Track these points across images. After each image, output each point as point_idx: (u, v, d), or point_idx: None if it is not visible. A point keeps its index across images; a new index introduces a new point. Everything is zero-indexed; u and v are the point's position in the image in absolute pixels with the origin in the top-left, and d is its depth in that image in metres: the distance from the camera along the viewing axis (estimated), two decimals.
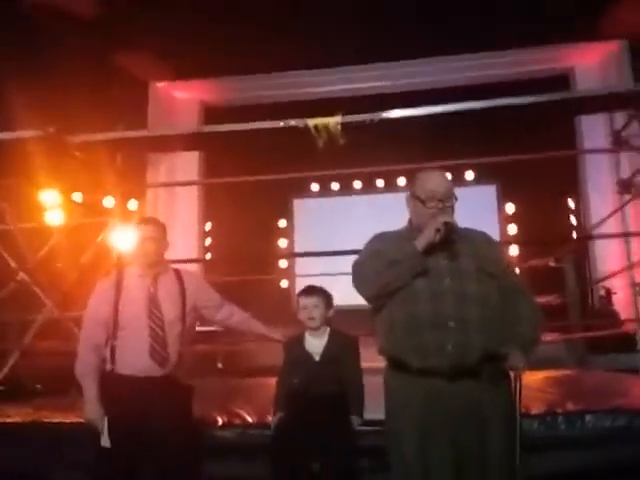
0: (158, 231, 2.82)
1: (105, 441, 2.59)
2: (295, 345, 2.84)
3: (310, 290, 2.88)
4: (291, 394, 2.77)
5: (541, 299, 6.75)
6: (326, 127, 5.01)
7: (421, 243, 2.11)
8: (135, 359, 2.65)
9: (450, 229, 2.11)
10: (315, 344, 2.80)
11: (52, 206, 6.04)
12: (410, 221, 2.31)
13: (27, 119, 5.05)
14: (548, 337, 6.34)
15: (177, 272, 2.89)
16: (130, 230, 5.66)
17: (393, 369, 2.18)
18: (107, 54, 6.89)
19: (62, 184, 5.84)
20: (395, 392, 2.18)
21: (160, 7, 6.55)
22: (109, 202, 6.58)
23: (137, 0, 6.49)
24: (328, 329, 2.83)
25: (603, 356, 6.27)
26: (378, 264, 2.15)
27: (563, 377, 5.05)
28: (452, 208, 2.22)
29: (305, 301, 2.81)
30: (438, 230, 2.09)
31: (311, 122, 5.00)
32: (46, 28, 6.06)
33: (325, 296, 2.85)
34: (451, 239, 2.13)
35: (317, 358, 2.77)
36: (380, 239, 2.30)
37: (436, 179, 2.25)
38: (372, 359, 2.31)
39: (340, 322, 2.99)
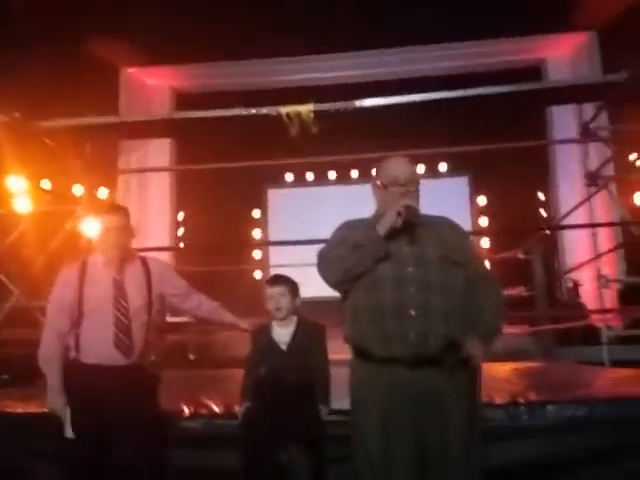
0: (123, 220, 2.79)
1: (68, 432, 2.56)
2: (262, 334, 2.83)
3: (276, 279, 2.88)
4: (258, 384, 2.77)
5: (510, 291, 6.87)
6: (298, 115, 4.99)
7: (383, 227, 2.11)
8: (99, 347, 2.62)
9: (412, 213, 2.11)
10: (282, 333, 2.80)
11: (19, 193, 5.92)
12: (377, 210, 2.31)
13: None
14: (516, 329, 6.45)
15: (143, 259, 2.86)
16: (97, 218, 5.60)
17: (358, 358, 2.19)
18: (77, 39, 6.72)
19: (30, 171, 5.73)
20: (360, 381, 2.19)
21: None
22: (78, 190, 6.48)
23: None
24: (295, 318, 2.84)
25: (569, 348, 6.39)
26: (342, 250, 2.16)
27: (529, 368, 5.14)
28: (416, 194, 2.23)
29: (271, 290, 2.80)
30: (399, 214, 2.09)
31: (283, 110, 4.98)
32: (13, 11, 5.90)
33: (291, 285, 2.84)
34: (414, 224, 2.14)
35: (284, 347, 2.77)
36: (347, 227, 2.30)
37: (398, 165, 2.26)
38: (341, 350, 2.31)
39: (314, 313, 2.99)
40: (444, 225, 2.28)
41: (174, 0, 6.68)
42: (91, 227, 5.55)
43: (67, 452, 2.59)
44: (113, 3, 6.60)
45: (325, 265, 2.21)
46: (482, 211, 9.72)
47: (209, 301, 3.02)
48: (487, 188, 9.59)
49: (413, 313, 2.05)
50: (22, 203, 5.85)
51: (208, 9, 6.80)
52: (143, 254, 2.96)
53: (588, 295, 7.00)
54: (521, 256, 7.34)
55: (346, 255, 2.14)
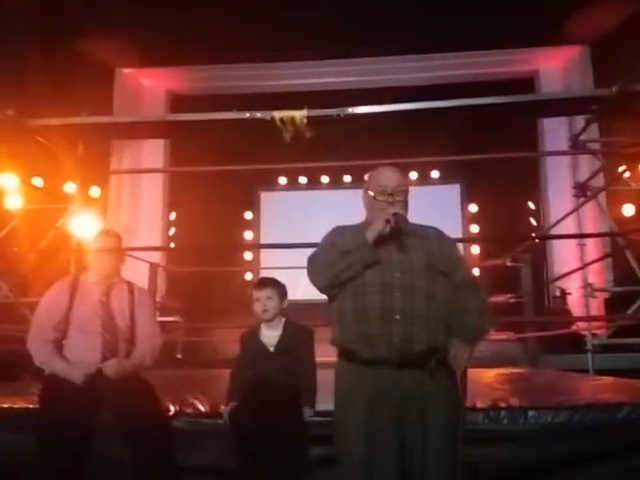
0: (115, 243, 2.95)
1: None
2: (250, 337, 2.86)
3: (263, 282, 2.90)
4: (245, 384, 2.79)
5: (497, 298, 6.93)
6: (292, 120, 5.02)
7: (371, 234, 2.15)
8: (86, 360, 2.71)
9: (399, 220, 2.16)
10: (270, 335, 2.82)
11: (11, 190, 5.92)
12: (366, 217, 2.36)
13: None
14: (502, 335, 6.50)
15: (130, 286, 2.98)
16: (89, 219, 5.62)
17: (343, 359, 2.23)
18: (73, 38, 6.74)
19: (22, 168, 5.73)
20: (344, 382, 2.22)
21: None
22: (70, 188, 6.48)
23: None
24: (283, 320, 2.86)
25: (555, 355, 6.45)
26: (331, 255, 2.20)
27: (513, 375, 5.19)
28: (404, 202, 2.28)
29: (258, 293, 2.83)
30: (388, 221, 2.14)
31: (277, 115, 5.01)
32: (9, 10, 5.90)
33: (279, 288, 2.87)
34: (402, 232, 2.19)
35: (271, 349, 2.80)
36: (336, 232, 2.34)
37: (386, 174, 2.31)
38: (329, 353, 2.35)
39: (303, 315, 3.03)
40: (432, 235, 2.33)
41: (171, 2, 6.71)
42: (82, 225, 5.56)
43: (50, 449, 2.61)
44: (110, 3, 6.62)
45: (314, 269, 2.25)
46: (473, 219, 9.80)
47: (142, 350, 2.91)
48: (478, 196, 9.68)
49: (397, 317, 2.10)
50: (13, 200, 5.86)
51: (204, 12, 6.83)
52: (131, 281, 3.06)
53: (575, 303, 7.08)
54: (509, 264, 7.41)
55: (335, 260, 2.17)
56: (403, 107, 5.22)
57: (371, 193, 2.29)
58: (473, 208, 9.84)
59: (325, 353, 2.59)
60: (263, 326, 2.86)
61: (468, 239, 8.76)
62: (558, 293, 7.45)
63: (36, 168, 6.09)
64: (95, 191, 7.40)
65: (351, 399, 2.16)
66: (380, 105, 5.27)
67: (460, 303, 2.20)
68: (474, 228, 9.66)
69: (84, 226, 5.57)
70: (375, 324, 2.12)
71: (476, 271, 8.49)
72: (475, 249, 9.21)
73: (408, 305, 2.11)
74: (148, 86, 8.87)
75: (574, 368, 5.76)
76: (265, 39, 7.29)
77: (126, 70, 8.41)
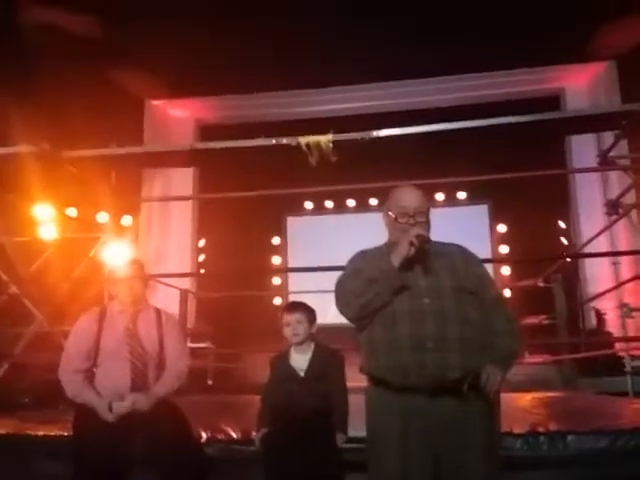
0: (137, 271, 3.01)
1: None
2: (280, 361, 2.86)
3: (293, 306, 2.90)
4: (275, 410, 2.78)
5: (531, 320, 6.79)
6: (318, 145, 5.08)
7: (396, 258, 2.12)
8: (117, 389, 2.75)
9: (424, 242, 2.12)
10: (300, 360, 2.81)
11: (46, 220, 6.07)
12: (389, 239, 2.34)
13: (22, 134, 5.09)
14: (536, 358, 6.35)
15: (157, 311, 3.03)
16: (121, 247, 5.72)
17: (374, 386, 2.20)
18: (104, 71, 6.94)
19: (56, 199, 5.88)
20: (376, 408, 2.20)
21: (157, 26, 6.65)
22: (103, 217, 6.62)
23: (135, 19, 6.58)
24: (313, 345, 2.85)
25: (592, 378, 6.25)
26: (358, 284, 2.16)
27: (549, 399, 5.04)
28: (426, 223, 2.26)
29: (288, 317, 2.83)
30: (412, 244, 2.11)
31: (303, 140, 5.07)
32: (43, 44, 6.12)
33: (309, 312, 2.87)
34: (427, 254, 2.16)
35: (302, 374, 2.79)
36: (360, 257, 2.32)
37: (408, 195, 2.29)
38: (359, 378, 2.33)
39: (332, 339, 3.01)
40: (455, 253, 2.30)
41: (199, 35, 6.88)
42: (114, 254, 5.66)
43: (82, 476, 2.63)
44: (140, 36, 6.82)
45: (342, 300, 2.22)
46: (502, 239, 9.67)
47: (171, 374, 2.93)
48: (507, 216, 9.56)
49: (430, 345, 2.06)
50: (48, 230, 6.00)
51: (231, 43, 7.00)
52: (158, 307, 3.11)
53: (611, 324, 6.89)
54: (541, 284, 7.26)
55: (362, 290, 2.14)
56: (428, 129, 5.23)
57: (392, 214, 2.27)
58: (502, 228, 9.72)
59: (355, 378, 2.56)
60: (293, 350, 2.85)
61: (498, 259, 8.64)
62: (593, 314, 7.26)
63: (70, 198, 6.25)
64: (127, 220, 7.54)
65: (384, 425, 2.14)
66: (405, 127, 5.29)
67: (490, 324, 2.17)
68: (504, 248, 9.52)
69: (116, 255, 5.67)
70: (407, 353, 2.08)
71: (507, 292, 8.36)
72: (505, 270, 9.07)
73: (440, 331, 2.07)
74: (177, 116, 9.09)
75: (613, 391, 5.58)
76: (289, 67, 7.42)
77: (155, 101, 8.63)
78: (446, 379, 2.05)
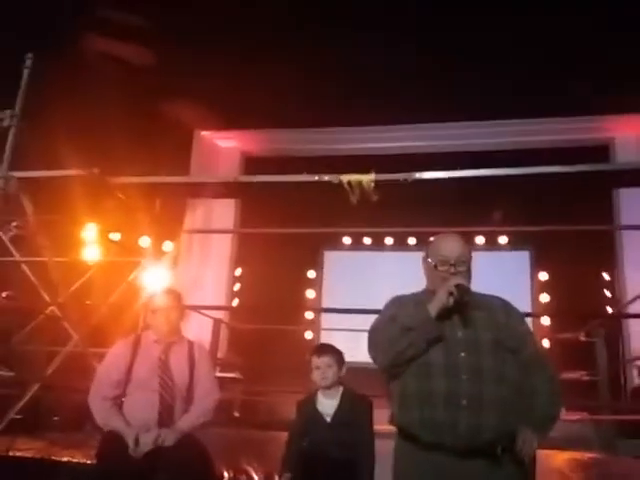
0: (174, 302, 3.01)
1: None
2: (307, 404, 2.81)
3: (323, 349, 2.86)
4: (300, 455, 2.72)
5: (570, 375, 6.54)
6: (359, 184, 5.10)
7: (434, 308, 2.07)
8: (143, 421, 2.75)
9: (463, 292, 2.07)
10: (327, 404, 2.76)
11: (90, 243, 6.25)
12: (427, 286, 2.29)
13: (72, 159, 5.28)
14: (575, 416, 6.08)
15: (190, 344, 3.04)
16: (160, 273, 5.82)
17: (404, 441, 2.12)
18: (155, 101, 7.18)
19: (101, 222, 6.06)
20: (403, 465, 2.13)
21: (208, 58, 6.87)
22: (145, 242, 6.77)
23: (187, 51, 6.80)
24: (341, 389, 2.80)
25: (633, 440, 5.94)
26: (393, 331, 2.11)
27: (587, 460, 4.80)
28: (467, 273, 2.20)
29: (318, 361, 2.79)
30: (451, 294, 2.05)
31: (345, 178, 5.11)
32: (98, 71, 6.37)
33: (338, 355, 2.83)
34: (466, 305, 2.09)
35: (328, 420, 2.73)
36: (396, 303, 2.27)
37: (449, 243, 2.24)
38: (387, 422, 2.25)
39: (363, 380, 2.95)
40: (497, 306, 2.22)
41: (249, 69, 7.07)
42: (153, 279, 5.76)
43: None
44: (191, 68, 7.05)
45: (375, 347, 2.17)
46: (543, 287, 9.41)
47: (199, 410, 2.91)
48: (549, 264, 9.31)
49: (465, 403, 1.98)
50: (91, 252, 6.16)
51: (280, 77, 7.16)
52: (191, 335, 3.15)
53: None
54: (583, 338, 7.02)
55: (397, 338, 2.09)
56: (472, 173, 5.20)
57: (431, 262, 2.22)
58: (543, 276, 9.46)
59: (384, 421, 2.49)
60: (320, 394, 2.81)
61: (538, 313, 8.41)
62: (636, 372, 6.95)
63: (114, 223, 6.42)
64: (168, 246, 7.69)
65: None
66: (447, 171, 5.27)
67: (529, 384, 2.08)
68: (544, 297, 9.26)
69: (154, 280, 5.77)
70: (440, 409, 2.00)
71: (546, 343, 8.11)
72: (545, 320, 8.80)
73: (476, 389, 2.00)
74: (224, 147, 9.29)
75: None
76: (336, 104, 7.52)
77: (204, 132, 8.86)
78: (479, 440, 1.97)
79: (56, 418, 5.47)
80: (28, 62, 4.96)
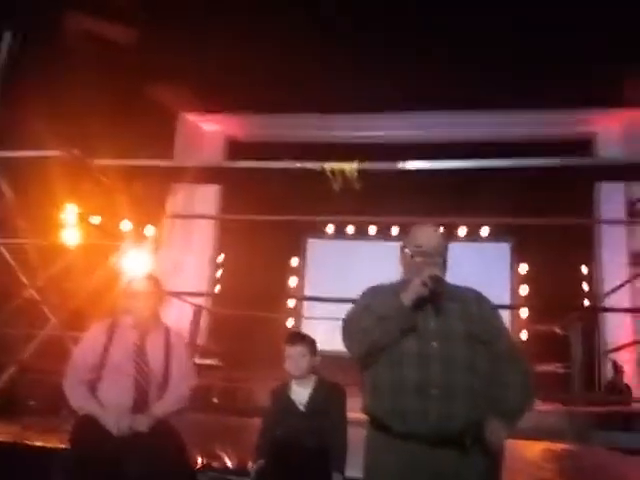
0: (153, 286, 2.99)
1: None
2: (281, 393, 2.82)
3: (295, 338, 2.86)
4: (274, 444, 2.73)
5: (544, 367, 6.63)
6: (342, 172, 5.09)
7: (407, 297, 2.06)
8: (117, 405, 2.73)
9: (437, 283, 2.06)
10: (301, 393, 2.77)
11: (69, 225, 6.17)
12: (403, 276, 2.29)
13: (53, 139, 5.19)
14: (548, 406, 6.17)
15: (167, 331, 3.01)
16: (140, 257, 5.76)
17: (375, 430, 2.14)
18: (140, 82, 7.09)
19: (81, 205, 5.98)
20: (374, 454, 2.14)
21: (195, 41, 6.78)
22: (125, 226, 6.71)
23: (173, 33, 6.70)
24: (314, 378, 2.81)
25: (606, 432, 6.05)
26: (366, 320, 2.11)
27: (560, 451, 4.89)
28: (442, 265, 2.20)
29: (290, 350, 2.79)
30: (424, 284, 2.05)
31: (327, 166, 5.09)
32: (82, 52, 6.26)
33: (310, 344, 2.83)
34: (439, 296, 2.10)
35: (302, 408, 2.74)
36: (371, 293, 2.27)
37: (426, 233, 2.24)
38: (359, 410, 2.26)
39: (341, 368, 2.95)
40: (471, 298, 2.22)
41: (235, 52, 7.00)
42: (132, 263, 5.70)
43: None
44: (177, 50, 6.95)
45: (349, 336, 2.18)
46: (523, 279, 9.52)
47: (174, 396, 2.89)
48: (529, 256, 9.42)
49: (435, 392, 2.00)
50: (70, 235, 6.08)
51: (266, 62, 7.10)
52: (171, 321, 3.12)
53: (627, 377, 6.70)
54: (559, 331, 7.11)
55: (371, 327, 2.09)
56: (455, 165, 5.20)
57: (408, 252, 2.23)
58: (523, 268, 9.57)
59: (358, 409, 2.50)
60: (294, 383, 2.81)
61: (516, 305, 8.50)
62: (610, 365, 7.07)
63: (95, 206, 6.35)
64: (150, 230, 7.63)
65: (381, 472, 2.08)
66: (430, 161, 5.27)
67: (501, 376, 2.09)
68: (524, 288, 9.37)
69: (134, 264, 5.72)
70: (411, 398, 2.02)
71: (523, 335, 8.21)
72: (523, 312, 8.91)
73: (446, 378, 2.01)
74: (208, 130, 9.21)
75: (626, 447, 5.38)
76: (322, 91, 7.48)
77: (189, 115, 8.77)
78: (448, 429, 1.98)
79: (32, 402, 5.43)
80: (6, 41, 4.84)
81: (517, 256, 9.70)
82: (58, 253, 5.78)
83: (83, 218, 6.11)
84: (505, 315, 2.28)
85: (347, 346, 2.18)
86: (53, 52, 5.95)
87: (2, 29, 4.78)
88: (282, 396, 2.80)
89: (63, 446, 2.85)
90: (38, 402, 5.26)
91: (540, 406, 6.05)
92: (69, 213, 5.98)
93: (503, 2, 6.48)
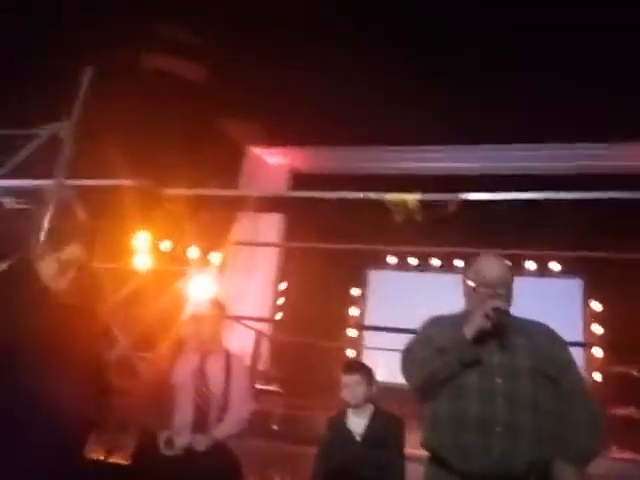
0: (219, 311, 3.08)
1: None
2: (337, 422, 2.80)
3: (352, 367, 2.84)
4: (330, 472, 2.71)
5: (620, 410, 6.24)
6: (404, 203, 5.09)
7: (470, 330, 2.00)
8: (178, 429, 2.79)
9: (501, 316, 1.99)
10: (357, 423, 2.74)
11: (140, 251, 6.44)
12: (466, 307, 2.23)
13: (127, 169, 5.46)
14: (624, 455, 5.79)
15: (227, 354, 3.07)
16: (205, 283, 5.94)
17: (435, 467, 2.06)
18: (207, 116, 7.36)
19: (152, 232, 6.24)
20: None
21: (262, 77, 7.01)
22: (193, 252, 6.94)
23: (242, 70, 6.97)
24: (371, 407, 2.77)
25: None
26: (426, 352, 2.07)
27: None
28: (507, 296, 2.12)
29: (347, 379, 2.78)
30: (487, 316, 1.98)
31: (389, 197, 5.11)
32: (153, 86, 6.58)
33: (367, 373, 2.81)
34: (504, 329, 2.02)
35: (358, 438, 2.71)
36: (433, 324, 2.22)
37: (489, 265, 2.18)
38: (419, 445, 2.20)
39: (400, 400, 2.90)
40: (540, 332, 2.13)
41: (299, 89, 7.18)
42: (197, 288, 5.88)
43: None
44: (245, 87, 7.21)
45: (409, 366, 2.13)
46: (596, 318, 9.05)
47: (233, 419, 2.92)
48: (603, 293, 8.95)
49: (499, 429, 1.92)
50: (141, 260, 6.34)
51: (330, 96, 7.24)
52: (233, 345, 3.21)
53: None
54: (636, 373, 6.70)
55: (429, 358, 2.04)
56: (517, 196, 5.09)
57: (471, 283, 2.17)
58: (596, 306, 9.10)
59: (417, 444, 2.43)
60: (350, 412, 2.79)
61: (589, 343, 8.09)
62: None
63: (164, 232, 6.59)
64: (215, 257, 7.82)
65: None
66: (494, 193, 5.18)
67: (569, 415, 1.99)
68: (596, 328, 8.90)
69: (200, 289, 5.89)
70: (472, 436, 1.94)
71: (597, 376, 7.78)
72: (598, 352, 8.45)
73: (511, 416, 1.92)
74: (273, 163, 9.43)
75: None
76: (385, 123, 7.53)
77: (255, 148, 9.03)
78: (513, 468, 1.89)
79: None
80: (87, 75, 5.15)
81: (590, 293, 9.25)
82: (129, 277, 6.04)
83: (153, 244, 6.36)
84: (578, 355, 2.15)
85: (406, 377, 2.14)
86: (128, 87, 6.28)
87: (84, 63, 5.07)
88: (338, 425, 2.78)
89: (124, 462, 2.93)
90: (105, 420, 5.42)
91: (614, 453, 5.69)
92: (141, 239, 6.24)
93: (575, 41, 6.36)
